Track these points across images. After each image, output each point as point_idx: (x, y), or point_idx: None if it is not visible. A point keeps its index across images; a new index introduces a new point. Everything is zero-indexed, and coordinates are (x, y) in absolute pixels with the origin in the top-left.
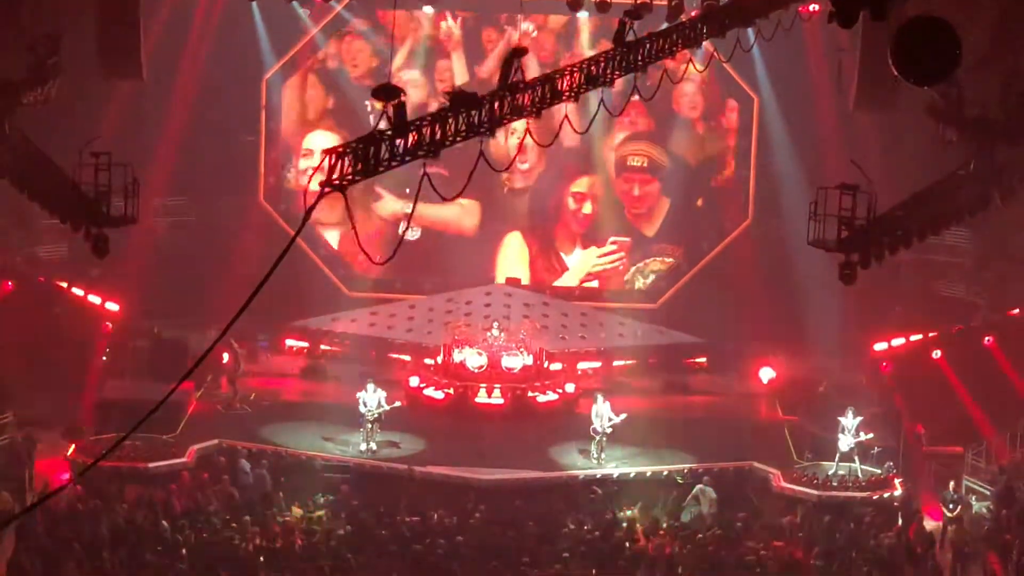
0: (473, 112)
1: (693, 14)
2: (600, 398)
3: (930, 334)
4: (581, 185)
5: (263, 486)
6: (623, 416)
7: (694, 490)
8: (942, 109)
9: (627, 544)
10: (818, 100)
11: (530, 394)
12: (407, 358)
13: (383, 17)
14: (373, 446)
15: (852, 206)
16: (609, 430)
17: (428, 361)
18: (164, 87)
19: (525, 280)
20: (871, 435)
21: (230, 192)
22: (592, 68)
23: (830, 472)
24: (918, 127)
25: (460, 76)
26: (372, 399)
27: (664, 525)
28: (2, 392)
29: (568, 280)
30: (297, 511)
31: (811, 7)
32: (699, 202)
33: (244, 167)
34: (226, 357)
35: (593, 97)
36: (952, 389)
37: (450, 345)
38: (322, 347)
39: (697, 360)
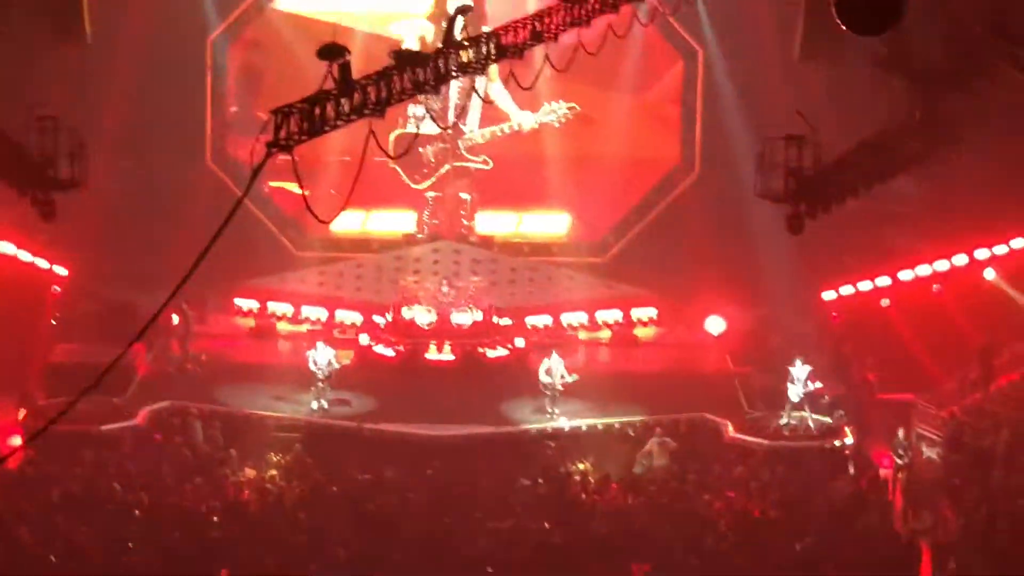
0: (419, 70)
1: None
2: (554, 354)
3: (879, 283)
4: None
5: (215, 447)
6: (574, 377)
7: (649, 443)
8: (887, 59)
9: (581, 497)
10: (763, 51)
11: (480, 350)
12: (357, 316)
13: None
14: (324, 404)
15: (799, 156)
16: (560, 387)
17: (378, 319)
18: (109, 49)
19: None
20: (821, 384)
21: (177, 154)
22: (536, 24)
23: (781, 422)
24: (864, 77)
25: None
26: (322, 358)
27: (616, 478)
28: None
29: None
30: (250, 471)
31: None
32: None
33: (191, 129)
34: (176, 319)
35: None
36: (901, 337)
37: (399, 303)
38: (272, 307)
39: (647, 313)
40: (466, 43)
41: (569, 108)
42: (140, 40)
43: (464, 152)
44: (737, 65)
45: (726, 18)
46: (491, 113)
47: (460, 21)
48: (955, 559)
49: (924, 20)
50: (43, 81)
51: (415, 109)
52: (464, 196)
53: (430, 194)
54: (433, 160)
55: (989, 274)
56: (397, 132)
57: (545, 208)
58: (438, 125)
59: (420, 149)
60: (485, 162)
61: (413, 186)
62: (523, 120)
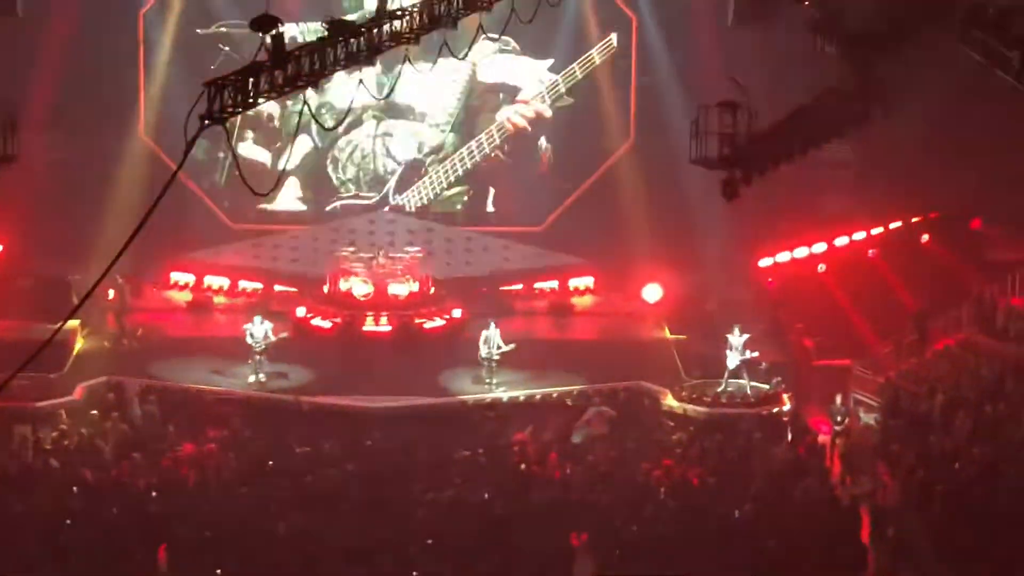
0: (352, 40)
1: None
2: (492, 324)
3: (814, 249)
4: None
5: (153, 421)
6: (512, 346)
7: (588, 412)
8: (821, 23)
9: (520, 467)
10: (696, 18)
11: (417, 321)
12: (293, 289)
13: None
14: (262, 378)
15: (733, 123)
16: (497, 357)
17: (314, 291)
18: (39, 23)
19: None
20: (757, 353)
21: (110, 127)
22: None
23: (719, 389)
24: (797, 42)
25: None
26: (259, 331)
27: (555, 447)
28: None
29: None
30: (188, 446)
31: None
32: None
33: (124, 102)
34: (112, 293)
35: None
36: (837, 303)
37: (336, 274)
38: (208, 280)
39: (583, 282)
40: (400, 12)
41: None
42: (72, 14)
43: None
44: (671, 32)
45: None
46: None
47: None
48: (894, 523)
49: None
50: None
51: None
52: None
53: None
54: None
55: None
56: None
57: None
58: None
59: None
60: None
61: None
62: None
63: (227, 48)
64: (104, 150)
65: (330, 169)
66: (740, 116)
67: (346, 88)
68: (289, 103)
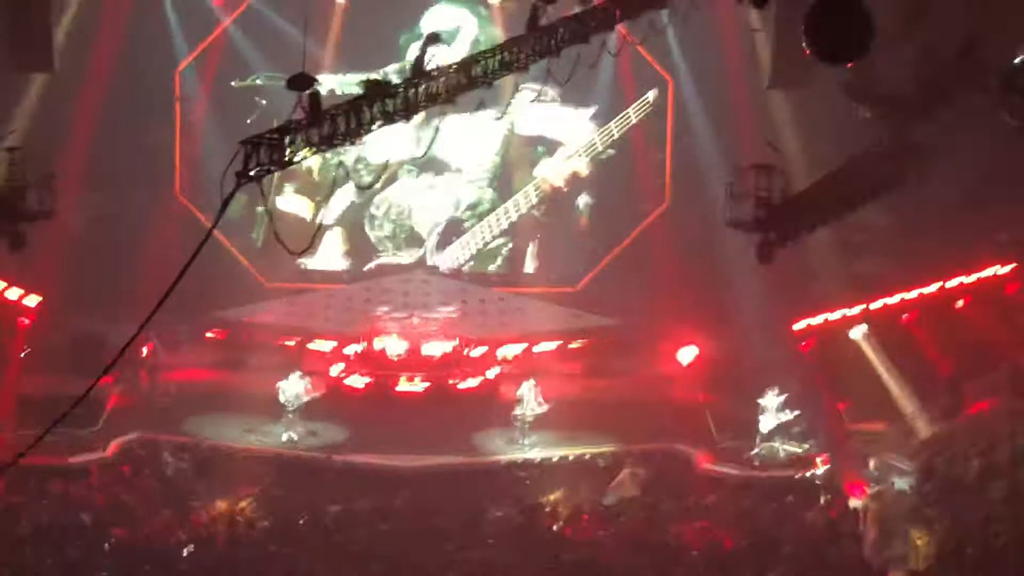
0: (388, 100)
1: None
2: (532, 382)
3: (849, 312)
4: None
5: (185, 479)
6: (545, 407)
7: (620, 474)
8: (855, 86)
9: (551, 528)
10: (732, 80)
11: (451, 380)
12: (327, 347)
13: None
14: (294, 436)
15: (768, 185)
16: (531, 419)
17: (348, 350)
18: (76, 79)
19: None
20: (793, 414)
21: (146, 185)
22: (506, 54)
23: (752, 452)
24: (832, 105)
25: None
26: (292, 389)
27: (587, 509)
28: None
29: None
30: (220, 503)
31: None
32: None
33: (160, 160)
34: (145, 350)
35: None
36: (872, 367)
37: (370, 333)
38: (242, 338)
39: (617, 343)
40: (436, 73)
41: None
42: (108, 70)
43: None
44: (707, 94)
45: (696, 47)
46: None
47: (430, 51)
48: None
49: (892, 47)
50: (10, 112)
51: None
52: None
53: None
54: None
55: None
56: None
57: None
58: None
59: None
60: None
61: None
62: None
63: (264, 101)
64: (139, 207)
65: (367, 227)
66: (775, 178)
67: (382, 142)
68: (328, 155)
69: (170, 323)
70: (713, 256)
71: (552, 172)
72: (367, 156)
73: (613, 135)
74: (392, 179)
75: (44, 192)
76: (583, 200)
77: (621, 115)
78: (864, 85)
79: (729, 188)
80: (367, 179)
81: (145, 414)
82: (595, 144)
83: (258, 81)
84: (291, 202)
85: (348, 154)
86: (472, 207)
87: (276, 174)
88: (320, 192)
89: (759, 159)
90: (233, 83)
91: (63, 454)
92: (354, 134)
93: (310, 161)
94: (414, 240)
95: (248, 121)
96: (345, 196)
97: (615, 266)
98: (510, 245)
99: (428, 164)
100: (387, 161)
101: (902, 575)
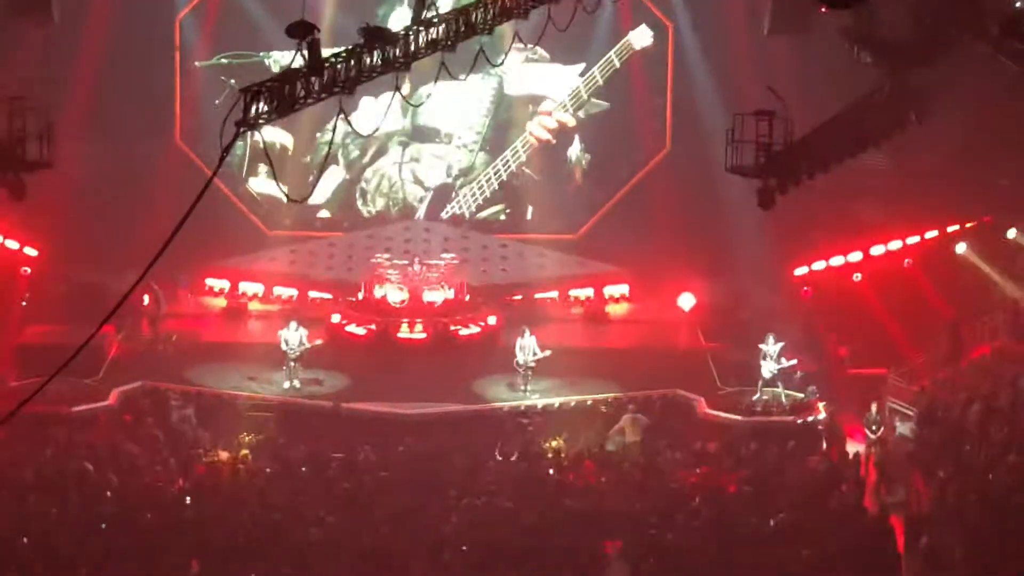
0: (388, 47)
1: None
2: (527, 332)
3: (850, 257)
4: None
5: (187, 427)
6: (547, 352)
7: (622, 419)
8: (856, 32)
9: (553, 474)
10: (733, 26)
11: (452, 328)
12: (328, 296)
13: None
14: (297, 384)
15: (769, 131)
16: (532, 364)
17: (349, 298)
18: (75, 29)
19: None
20: (794, 360)
21: (146, 133)
22: (506, 0)
23: (754, 398)
24: (833, 50)
25: None
26: (294, 337)
27: (589, 455)
28: None
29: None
30: (222, 452)
31: None
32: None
33: (160, 108)
34: (147, 299)
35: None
36: (873, 311)
37: (371, 281)
38: (243, 286)
39: (618, 290)
40: (435, 20)
41: None
42: (107, 19)
43: None
44: (707, 40)
45: None
46: None
47: None
48: (928, 533)
49: None
50: (10, 62)
51: None
52: None
53: None
54: None
55: (960, 248)
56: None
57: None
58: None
59: None
60: None
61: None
62: None
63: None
64: (140, 156)
65: (359, 203)
66: (776, 125)
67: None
68: (318, 135)
69: (171, 272)
70: (714, 202)
71: (538, 126)
72: (356, 130)
73: (598, 82)
74: (382, 152)
75: (44, 142)
76: (577, 150)
77: (603, 59)
78: (864, 31)
79: (730, 134)
80: (356, 152)
81: (147, 363)
82: (580, 92)
83: (223, 61)
84: (264, 184)
85: (337, 132)
86: (464, 172)
87: (247, 157)
88: (300, 171)
89: (760, 105)
90: (197, 63)
91: (65, 403)
92: (354, 82)
93: (286, 140)
94: (407, 212)
95: (216, 102)
96: (335, 175)
97: (615, 213)
98: (510, 207)
99: (417, 134)
100: (376, 130)
101: (903, 520)
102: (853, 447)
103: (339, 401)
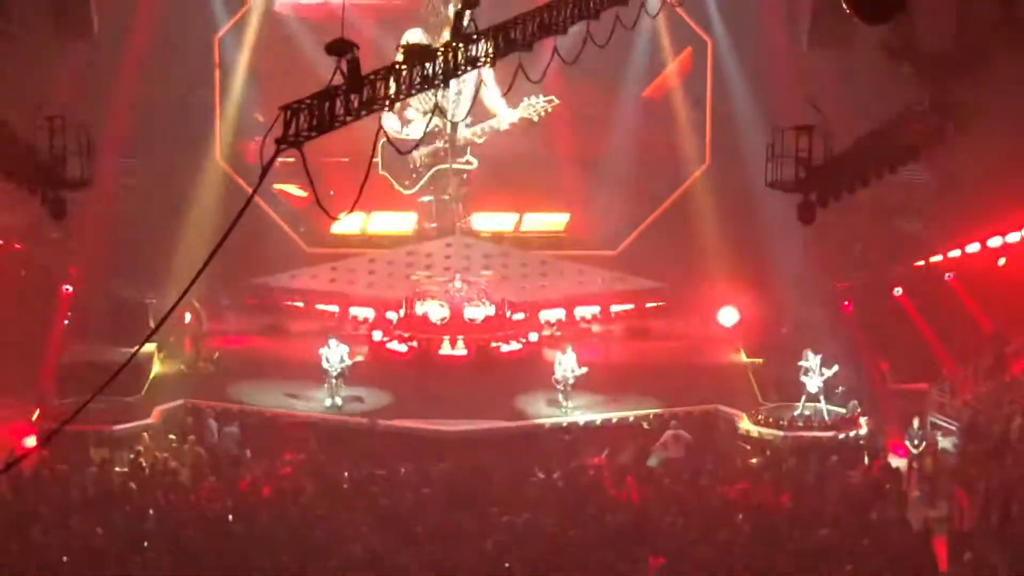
0: (427, 64)
1: None
2: (568, 348)
3: (890, 272)
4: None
5: (230, 445)
6: (584, 370)
7: (664, 435)
8: (895, 45)
9: (595, 491)
10: (772, 40)
11: (493, 344)
12: (369, 312)
13: None
14: (338, 401)
15: (809, 146)
16: (572, 381)
17: (390, 315)
18: (116, 47)
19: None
20: (835, 367)
21: (186, 151)
22: (545, 16)
23: (796, 413)
24: (872, 64)
25: None
26: (334, 355)
27: (631, 471)
28: None
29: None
30: (265, 469)
31: None
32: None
33: (200, 126)
34: (188, 317)
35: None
36: (914, 326)
37: (412, 298)
38: (284, 304)
39: (659, 305)
40: (475, 36)
41: (547, 101)
42: (148, 37)
43: (456, 151)
44: (746, 55)
45: (734, 8)
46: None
47: (468, 15)
48: (971, 548)
49: (932, 6)
50: (50, 80)
51: (408, 111)
52: (456, 198)
53: (425, 199)
54: (419, 163)
55: (1001, 261)
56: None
57: (545, 209)
58: (443, 118)
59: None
60: (468, 162)
61: (403, 191)
62: (505, 116)
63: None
64: (180, 173)
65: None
66: (816, 139)
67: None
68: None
69: (212, 290)
70: (754, 217)
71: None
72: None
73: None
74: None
75: (85, 160)
76: (619, 164)
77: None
78: (904, 44)
79: (770, 149)
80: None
81: (188, 381)
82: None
83: None
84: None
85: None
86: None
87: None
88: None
89: (799, 119)
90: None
91: (108, 422)
92: (394, 99)
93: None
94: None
95: (259, 118)
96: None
97: (656, 229)
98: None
99: (461, 153)
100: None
101: (946, 536)
102: (895, 462)
103: (380, 418)
